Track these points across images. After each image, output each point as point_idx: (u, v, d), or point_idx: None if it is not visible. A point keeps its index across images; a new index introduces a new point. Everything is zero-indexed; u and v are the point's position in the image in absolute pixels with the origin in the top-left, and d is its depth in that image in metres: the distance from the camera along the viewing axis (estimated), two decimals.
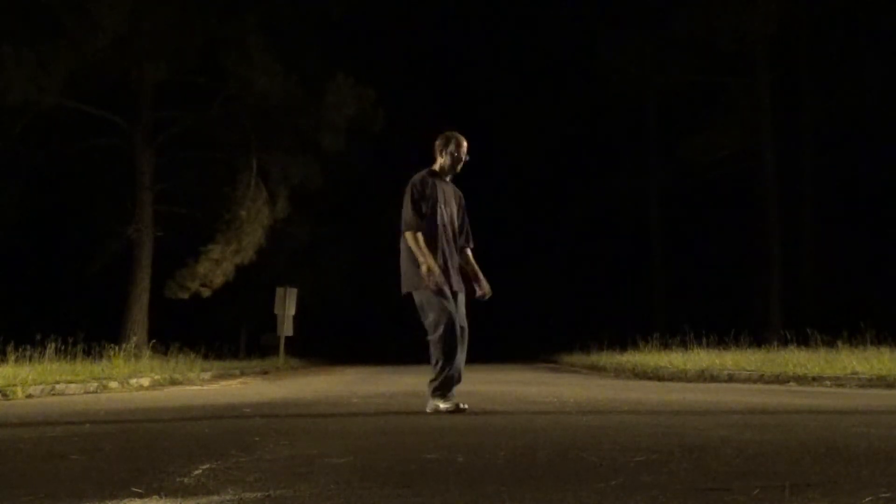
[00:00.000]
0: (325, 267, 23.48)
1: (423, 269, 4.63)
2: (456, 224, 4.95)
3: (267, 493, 2.31)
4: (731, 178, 21.63)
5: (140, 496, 2.32)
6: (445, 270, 4.76)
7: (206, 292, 17.10)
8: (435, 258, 4.70)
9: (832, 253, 21.05)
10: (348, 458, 2.96)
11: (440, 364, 4.76)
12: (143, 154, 17.15)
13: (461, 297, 4.90)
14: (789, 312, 18.59)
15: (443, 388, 4.80)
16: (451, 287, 4.77)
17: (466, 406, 4.87)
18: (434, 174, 4.95)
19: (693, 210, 24.50)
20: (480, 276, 4.99)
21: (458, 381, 4.90)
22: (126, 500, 2.27)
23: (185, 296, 16.88)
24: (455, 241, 4.91)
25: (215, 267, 16.86)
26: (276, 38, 17.17)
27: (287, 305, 17.65)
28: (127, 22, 15.24)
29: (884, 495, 2.13)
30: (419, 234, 4.71)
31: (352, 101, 17.30)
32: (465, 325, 4.88)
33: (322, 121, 17.29)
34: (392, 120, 18.65)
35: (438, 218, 4.80)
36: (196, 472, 2.72)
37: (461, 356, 4.83)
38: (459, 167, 5.00)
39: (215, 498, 2.27)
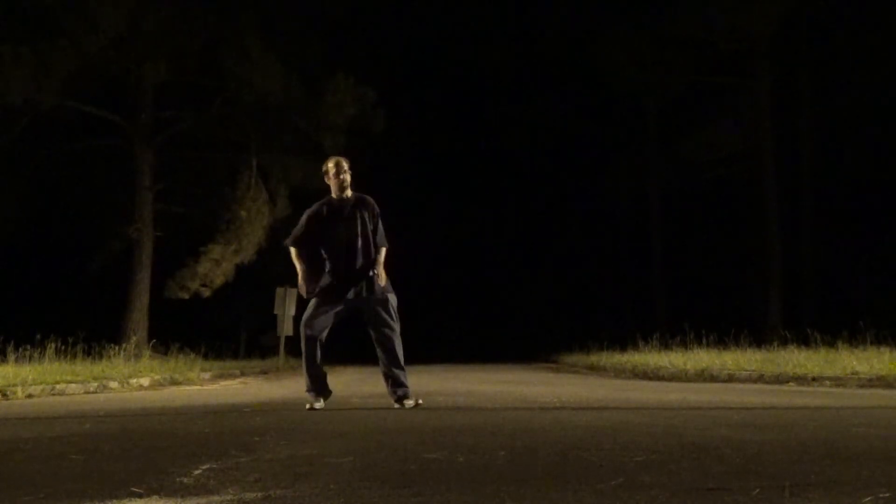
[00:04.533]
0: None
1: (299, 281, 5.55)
2: (368, 232, 5.51)
3: (267, 493, 2.31)
4: (731, 178, 21.62)
5: (140, 496, 2.32)
6: (341, 282, 5.43)
7: (206, 292, 17.09)
8: (334, 272, 5.48)
9: (832, 253, 21.04)
10: (348, 458, 2.96)
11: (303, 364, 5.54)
12: (143, 154, 17.13)
13: (380, 298, 5.45)
14: (789, 312, 18.58)
15: (308, 385, 5.53)
16: (342, 295, 5.43)
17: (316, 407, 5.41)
18: (328, 202, 5.61)
19: (693, 210, 24.48)
20: (376, 270, 5.50)
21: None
22: (126, 500, 2.27)
23: (186, 296, 16.87)
24: (363, 251, 5.46)
25: (215, 267, 16.85)
26: (276, 38, 17.15)
27: (287, 305, 17.63)
28: (127, 22, 15.21)
29: (884, 495, 2.13)
30: (294, 251, 5.63)
31: (352, 101, 17.27)
32: (388, 322, 5.44)
33: (322, 121, 17.26)
34: (392, 120, 18.63)
35: (335, 242, 5.49)
36: (196, 472, 2.72)
37: (388, 358, 5.46)
38: (347, 184, 5.56)
39: (215, 498, 2.28)
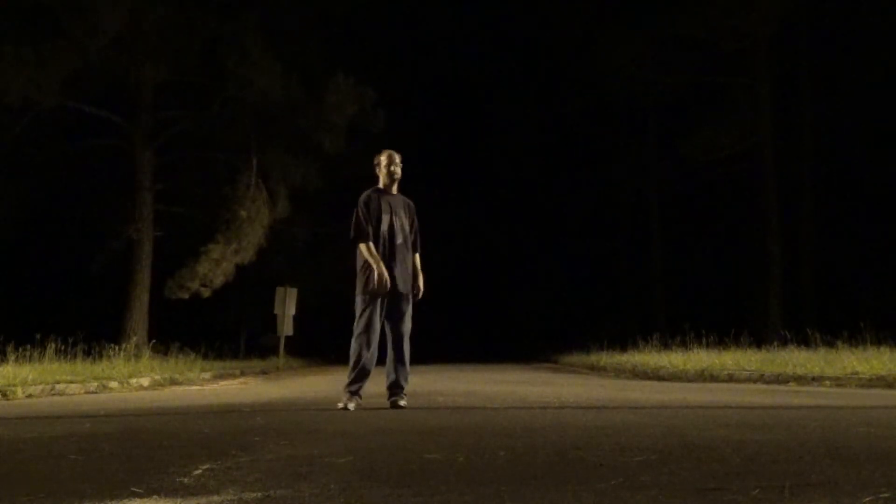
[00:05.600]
0: (325, 267, 23.47)
1: (376, 274, 5.33)
2: (406, 231, 5.57)
3: (267, 493, 2.31)
4: (731, 178, 21.62)
5: (140, 496, 2.32)
6: (389, 274, 5.39)
7: (206, 292, 17.08)
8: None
9: (832, 253, 21.04)
10: (348, 458, 2.96)
11: (352, 362, 5.43)
12: (143, 154, 17.13)
13: (407, 297, 5.53)
14: (789, 312, 18.57)
15: (353, 384, 5.45)
16: (392, 289, 5.40)
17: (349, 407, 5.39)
18: (378, 191, 5.61)
19: (693, 210, 24.49)
20: (418, 278, 5.64)
21: (392, 381, 5.51)
22: (126, 500, 2.27)
23: (185, 296, 16.87)
24: (402, 247, 5.50)
25: (215, 267, 16.84)
26: (276, 38, 17.15)
27: (287, 305, 17.65)
28: (127, 22, 15.21)
29: (884, 495, 2.13)
30: (370, 244, 5.42)
31: (352, 101, 17.27)
32: (408, 322, 5.51)
33: (322, 121, 17.26)
34: (392, 120, 18.64)
35: (381, 229, 5.46)
36: (196, 472, 2.72)
37: (396, 354, 5.51)
38: (397, 177, 5.61)
39: (215, 498, 2.28)
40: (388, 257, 5.43)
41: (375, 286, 5.31)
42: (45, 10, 15.15)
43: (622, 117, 26.33)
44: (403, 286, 5.46)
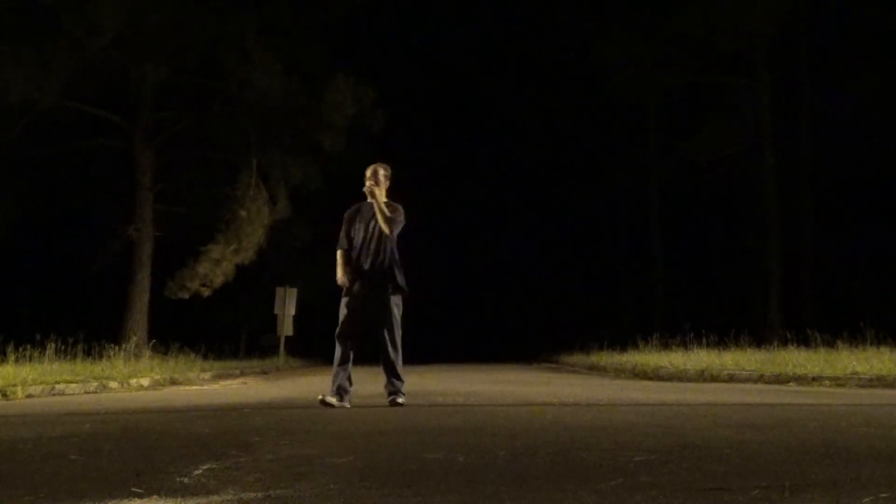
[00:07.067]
0: (325, 267, 23.46)
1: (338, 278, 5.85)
2: (383, 233, 5.73)
3: (267, 493, 2.31)
4: (731, 178, 21.61)
5: (140, 496, 2.32)
6: (361, 278, 5.71)
7: (206, 292, 17.07)
8: (354, 269, 5.76)
9: (832, 253, 21.03)
10: (348, 458, 2.96)
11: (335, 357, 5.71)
12: (143, 154, 17.12)
13: (383, 298, 5.68)
14: (789, 312, 18.57)
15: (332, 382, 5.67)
16: (363, 289, 5.69)
17: (331, 403, 5.49)
18: (360, 204, 5.95)
19: (693, 210, 24.48)
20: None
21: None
22: (126, 500, 2.27)
23: (185, 296, 16.86)
24: (370, 253, 5.72)
25: (215, 267, 16.84)
26: (276, 38, 17.14)
27: (287, 305, 17.65)
28: (127, 22, 15.21)
29: (884, 495, 2.13)
30: (340, 251, 5.87)
31: (352, 101, 17.25)
32: (386, 320, 5.64)
33: (322, 121, 17.25)
34: (392, 120, 18.63)
35: (355, 238, 5.82)
36: (196, 472, 2.72)
37: (381, 353, 5.67)
38: (374, 192, 5.79)
39: (215, 498, 2.28)
40: (360, 265, 5.74)
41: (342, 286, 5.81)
42: (45, 10, 15.14)
43: (622, 117, 26.32)
44: (372, 286, 5.67)
